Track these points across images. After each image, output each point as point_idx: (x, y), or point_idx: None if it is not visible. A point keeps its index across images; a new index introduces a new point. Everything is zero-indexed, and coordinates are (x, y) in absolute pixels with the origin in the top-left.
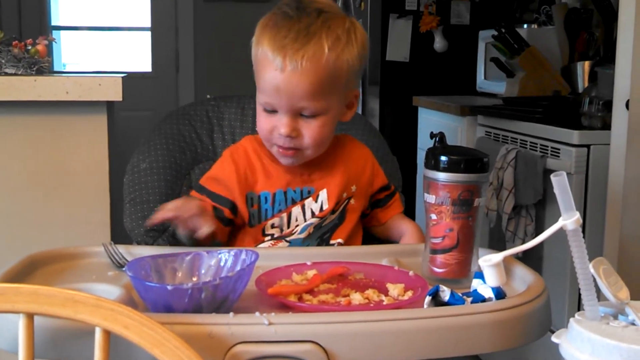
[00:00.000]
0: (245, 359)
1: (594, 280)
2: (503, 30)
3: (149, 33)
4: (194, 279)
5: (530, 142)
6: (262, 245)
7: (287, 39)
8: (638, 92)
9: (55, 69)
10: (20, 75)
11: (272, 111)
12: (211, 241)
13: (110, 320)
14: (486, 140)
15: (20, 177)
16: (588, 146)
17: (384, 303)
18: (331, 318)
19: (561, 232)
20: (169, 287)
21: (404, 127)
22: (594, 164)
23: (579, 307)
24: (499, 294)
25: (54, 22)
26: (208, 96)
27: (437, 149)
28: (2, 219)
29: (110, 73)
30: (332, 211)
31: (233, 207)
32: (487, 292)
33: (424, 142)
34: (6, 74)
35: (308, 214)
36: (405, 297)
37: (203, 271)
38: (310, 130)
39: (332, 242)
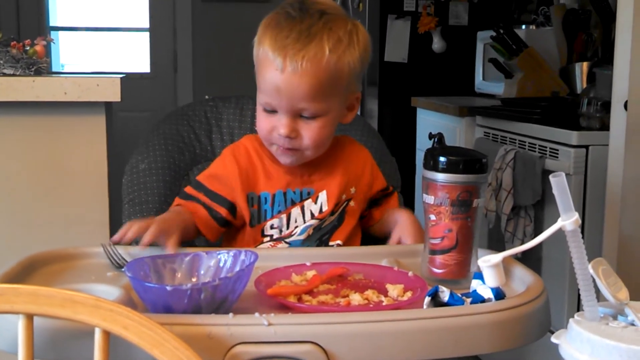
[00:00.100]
0: (244, 359)
1: (593, 280)
2: (501, 31)
3: (147, 34)
4: (193, 279)
5: (529, 143)
6: (261, 246)
7: (288, 39)
8: (636, 93)
9: (54, 69)
10: (19, 75)
11: (272, 111)
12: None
13: (109, 320)
14: (485, 141)
15: (19, 177)
16: (587, 147)
17: (384, 304)
18: (331, 319)
19: (560, 232)
20: (168, 288)
21: (403, 127)
22: (592, 164)
23: (579, 308)
24: (498, 294)
25: (52, 23)
26: (206, 97)
27: (435, 149)
28: (2, 219)
29: (109, 74)
30: (331, 213)
31: (231, 208)
32: (487, 293)
33: (422, 143)
34: (4, 75)
35: (307, 215)
36: (405, 298)
37: (202, 272)
38: (309, 132)
39: (331, 243)
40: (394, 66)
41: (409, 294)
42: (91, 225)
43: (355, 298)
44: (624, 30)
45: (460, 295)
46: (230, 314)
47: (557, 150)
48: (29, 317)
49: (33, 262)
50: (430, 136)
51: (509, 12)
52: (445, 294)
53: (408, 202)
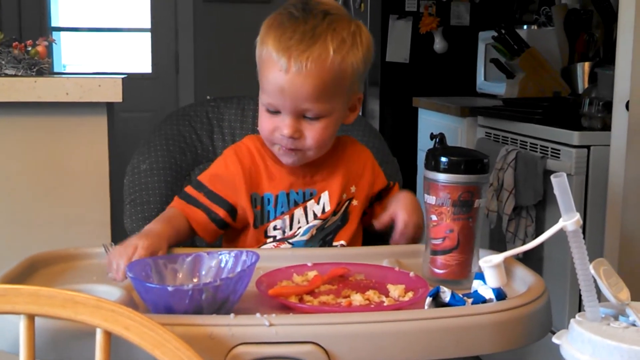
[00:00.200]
0: None
1: (595, 281)
2: (503, 32)
3: (149, 34)
4: (195, 280)
5: (531, 143)
6: (264, 247)
7: (292, 40)
8: (638, 93)
9: (56, 70)
10: (21, 76)
11: (275, 112)
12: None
13: (110, 321)
14: (486, 141)
15: (21, 178)
16: (588, 147)
17: (385, 304)
18: (332, 319)
19: (561, 233)
20: (170, 288)
21: (404, 128)
22: (594, 165)
23: (580, 308)
24: (500, 295)
25: (54, 23)
26: (208, 97)
27: (437, 150)
28: (3, 219)
29: (111, 74)
30: (334, 213)
31: (231, 210)
32: (488, 293)
33: (424, 143)
34: (6, 75)
35: (310, 216)
36: (406, 298)
37: (204, 272)
38: (312, 132)
39: (335, 243)
40: (395, 66)
41: (410, 294)
42: (92, 226)
43: (357, 298)
44: (625, 30)
45: (461, 296)
46: (232, 315)
47: (559, 150)
48: (30, 318)
49: (34, 263)
50: (432, 136)
51: (511, 12)
52: (446, 294)
53: None
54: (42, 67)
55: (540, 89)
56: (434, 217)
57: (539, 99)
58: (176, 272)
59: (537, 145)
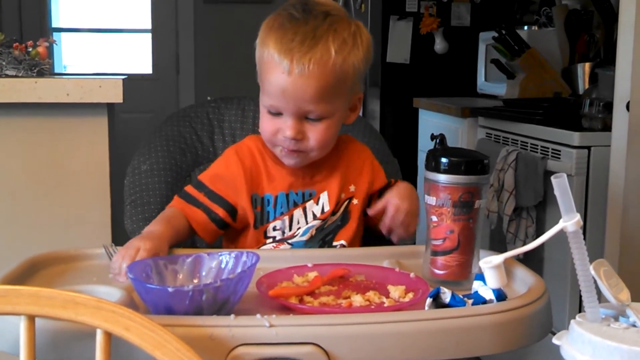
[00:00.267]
0: None
1: (595, 282)
2: (503, 32)
3: (149, 35)
4: (195, 281)
5: (531, 144)
6: (263, 247)
7: (294, 42)
8: (638, 94)
9: (56, 70)
10: (21, 77)
11: (277, 113)
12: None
13: (111, 322)
14: (487, 141)
15: (21, 179)
16: (589, 148)
17: (385, 305)
18: (332, 320)
19: (562, 233)
20: (170, 289)
21: (405, 128)
22: (594, 165)
23: (580, 309)
24: (500, 295)
25: (54, 24)
26: (208, 98)
27: (437, 150)
28: (4, 220)
29: (111, 75)
30: (333, 213)
31: (232, 211)
32: (488, 294)
33: (424, 144)
34: (7, 76)
35: (310, 216)
36: (406, 299)
37: (204, 273)
38: (315, 133)
39: (335, 243)
40: (396, 67)
41: (410, 295)
42: (93, 227)
43: (357, 299)
44: (626, 31)
45: (461, 297)
46: (232, 316)
47: (559, 151)
48: (31, 319)
49: (35, 264)
50: (432, 137)
51: (511, 13)
52: (446, 295)
53: None
54: (42, 67)
55: (541, 90)
56: (434, 218)
57: (539, 99)
58: (176, 273)
59: (537, 145)
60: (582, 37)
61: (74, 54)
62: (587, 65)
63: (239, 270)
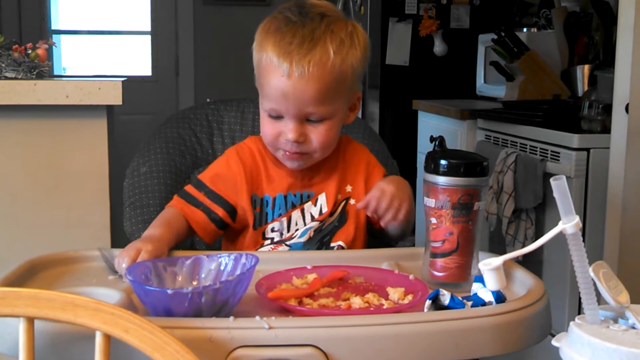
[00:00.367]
0: None
1: (594, 284)
2: (503, 34)
3: (149, 37)
4: (194, 283)
5: (530, 146)
6: (262, 249)
7: (292, 44)
8: (637, 96)
9: (56, 72)
10: (21, 79)
11: (278, 117)
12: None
13: (110, 324)
14: (486, 144)
15: (21, 181)
16: (588, 150)
17: (384, 307)
18: (331, 322)
19: (561, 235)
20: (169, 291)
21: (404, 130)
22: (593, 167)
23: (579, 311)
24: (499, 297)
25: (54, 26)
26: (208, 100)
27: (436, 152)
28: (3, 222)
29: (111, 77)
30: (331, 214)
31: (231, 211)
32: (487, 296)
33: (423, 146)
34: (6, 78)
35: (308, 218)
36: (406, 301)
37: (203, 275)
38: (317, 135)
39: (332, 244)
40: (395, 69)
41: (409, 297)
42: (92, 229)
43: (356, 301)
44: (625, 33)
45: (461, 299)
46: (231, 318)
47: (559, 153)
48: (30, 321)
49: (34, 266)
50: (432, 139)
51: (511, 15)
52: (446, 297)
53: None
54: (42, 70)
55: (540, 92)
56: (433, 220)
57: (538, 101)
58: (176, 275)
59: (536, 147)
60: (581, 39)
61: (73, 56)
62: (586, 67)
63: (238, 272)
